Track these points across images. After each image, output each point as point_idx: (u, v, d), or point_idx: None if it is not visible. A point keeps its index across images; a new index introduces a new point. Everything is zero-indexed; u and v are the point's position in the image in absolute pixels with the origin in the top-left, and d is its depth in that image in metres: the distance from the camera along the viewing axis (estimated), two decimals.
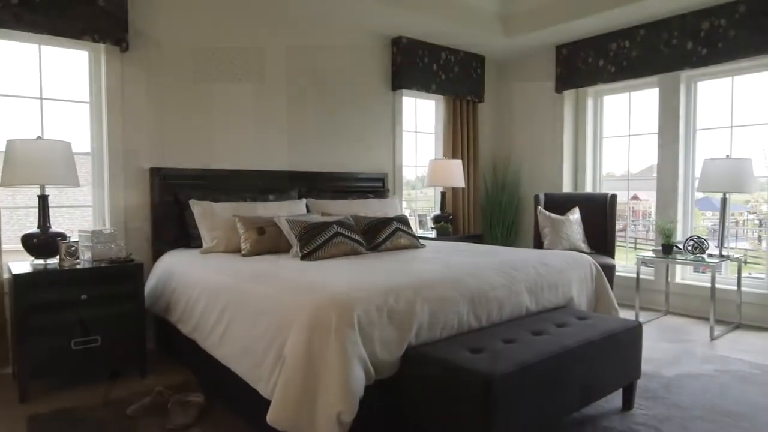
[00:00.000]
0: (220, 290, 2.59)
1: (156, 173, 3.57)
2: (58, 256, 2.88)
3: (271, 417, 1.91)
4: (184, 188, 3.65)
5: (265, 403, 2.01)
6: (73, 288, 2.78)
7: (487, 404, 1.78)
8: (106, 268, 2.89)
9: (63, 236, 2.94)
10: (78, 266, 2.86)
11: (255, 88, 4.05)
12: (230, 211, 3.47)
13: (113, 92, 3.43)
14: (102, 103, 3.45)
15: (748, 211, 5.58)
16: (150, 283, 3.37)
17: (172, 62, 3.67)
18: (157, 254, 3.54)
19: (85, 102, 3.47)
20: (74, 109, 3.47)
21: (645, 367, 3.13)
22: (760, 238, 5.17)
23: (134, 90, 3.53)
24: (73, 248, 2.88)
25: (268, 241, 3.28)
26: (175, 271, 3.13)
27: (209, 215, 3.42)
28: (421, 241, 3.82)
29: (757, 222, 5.34)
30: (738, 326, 4.09)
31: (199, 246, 3.44)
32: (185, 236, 3.60)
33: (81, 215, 3.75)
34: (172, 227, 3.61)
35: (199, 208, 3.45)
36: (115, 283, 2.92)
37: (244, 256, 3.19)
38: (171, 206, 3.62)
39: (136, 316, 2.98)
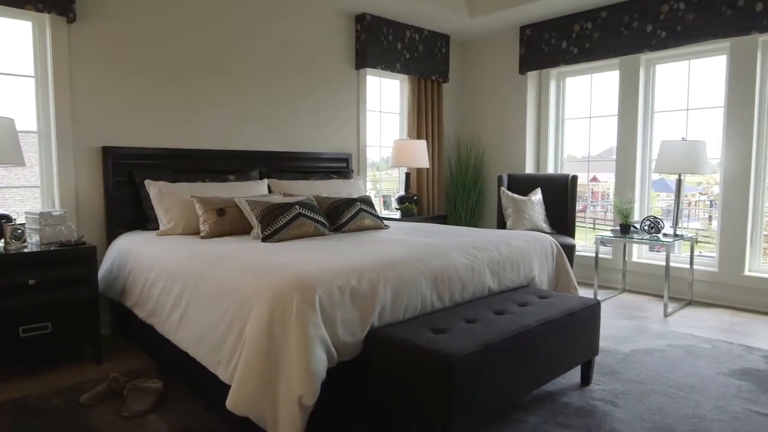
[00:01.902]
0: (178, 273, 2.51)
1: (108, 152, 3.41)
2: (2, 240, 2.73)
3: (230, 402, 1.87)
4: (139, 168, 3.52)
5: (225, 388, 1.97)
6: (19, 273, 2.64)
7: (449, 384, 1.79)
8: (56, 252, 2.76)
9: (8, 218, 2.78)
10: (25, 250, 2.72)
11: (214, 65, 3.91)
12: (188, 191, 3.36)
13: (60, 66, 3.25)
14: (48, 77, 3.26)
15: (700, 192, 5.77)
16: (104, 267, 3.26)
17: (124, 35, 3.49)
18: (111, 237, 3.41)
19: (29, 76, 3.27)
20: (18, 84, 3.27)
21: (602, 343, 3.23)
22: (710, 218, 5.37)
23: (83, 64, 3.34)
24: (20, 231, 2.74)
25: (228, 222, 3.19)
26: (131, 253, 3.02)
27: (166, 196, 3.30)
28: (386, 222, 3.81)
29: (708, 203, 5.54)
30: (690, 303, 4.25)
31: (156, 228, 3.34)
32: (141, 218, 3.48)
33: (32, 196, 3.57)
34: (126, 209, 3.48)
35: (155, 189, 3.33)
36: (66, 266, 2.79)
37: (203, 238, 3.10)
38: (125, 187, 3.48)
39: (89, 301, 2.86)
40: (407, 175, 5.02)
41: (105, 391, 2.46)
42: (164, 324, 2.56)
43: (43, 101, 3.29)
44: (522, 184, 4.82)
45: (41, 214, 2.85)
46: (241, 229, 3.23)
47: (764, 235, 4.14)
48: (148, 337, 2.86)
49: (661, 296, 4.41)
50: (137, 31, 3.54)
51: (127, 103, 3.53)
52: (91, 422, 2.25)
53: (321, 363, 1.87)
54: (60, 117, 3.26)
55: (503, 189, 4.73)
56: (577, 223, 4.67)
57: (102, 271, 3.24)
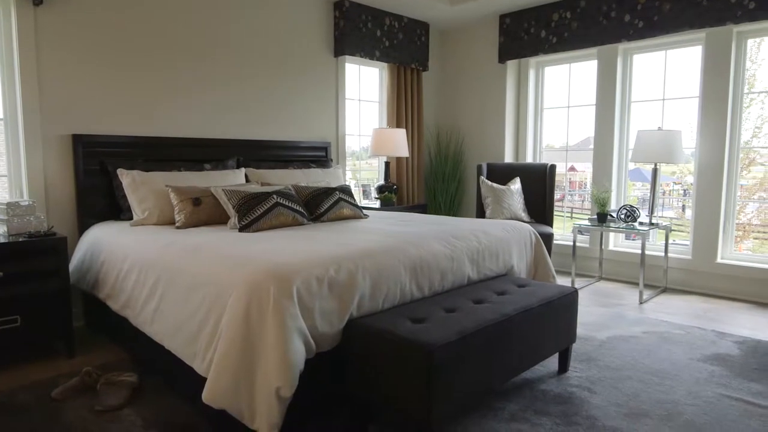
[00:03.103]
0: (153, 263, 2.46)
1: (79, 140, 3.31)
2: None
3: (207, 395, 1.84)
4: (111, 157, 3.43)
5: (201, 381, 1.94)
6: None
7: (428, 374, 1.78)
8: (25, 243, 2.68)
9: None
10: None
11: (189, 52, 3.81)
12: (163, 180, 3.29)
13: (27, 51, 3.13)
14: (14, 62, 3.14)
15: (674, 182, 5.87)
16: (76, 258, 3.17)
17: (94, 19, 3.37)
18: (82, 227, 3.32)
19: None
20: None
21: (579, 330, 3.27)
22: (684, 207, 5.47)
23: (51, 48, 3.23)
24: None
25: (204, 212, 3.13)
26: (104, 244, 2.94)
27: (139, 185, 3.22)
28: (365, 212, 3.78)
29: (681, 192, 5.63)
30: (664, 290, 4.33)
31: (130, 218, 3.26)
32: (114, 208, 3.40)
33: (3, 186, 3.46)
34: (98, 198, 3.39)
35: (128, 178, 3.24)
36: (36, 258, 2.71)
37: (178, 228, 3.04)
38: (97, 176, 3.39)
39: (60, 294, 2.79)
40: (387, 164, 4.99)
41: (77, 385, 2.40)
42: (138, 316, 2.50)
43: (9, 87, 3.17)
44: (501, 173, 4.83)
45: (9, 204, 2.76)
46: (218, 219, 3.18)
47: (736, 224, 4.23)
48: (122, 330, 2.80)
49: (636, 284, 4.48)
50: (109, 14, 3.43)
51: (98, 89, 3.42)
52: (62, 417, 2.19)
53: (299, 354, 1.84)
54: (27, 104, 3.15)
55: (482, 178, 4.74)
56: (555, 212, 4.71)
57: (74, 262, 3.16)
